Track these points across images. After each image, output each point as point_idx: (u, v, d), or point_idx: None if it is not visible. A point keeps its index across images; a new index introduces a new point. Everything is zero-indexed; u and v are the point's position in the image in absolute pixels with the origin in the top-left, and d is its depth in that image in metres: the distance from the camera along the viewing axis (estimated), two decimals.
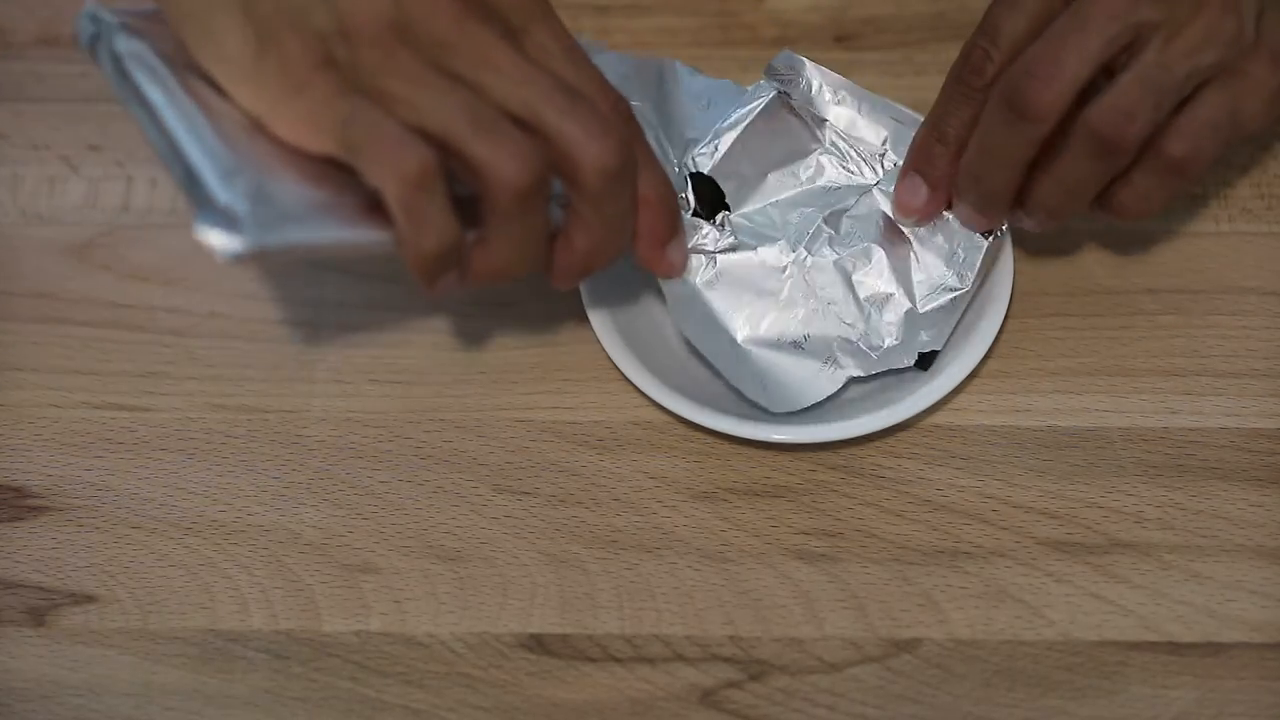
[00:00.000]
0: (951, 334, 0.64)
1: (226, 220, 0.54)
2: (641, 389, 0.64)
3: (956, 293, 0.64)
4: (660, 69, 0.67)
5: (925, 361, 0.64)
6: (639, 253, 0.62)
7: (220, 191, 0.54)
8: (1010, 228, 0.64)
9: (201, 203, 0.54)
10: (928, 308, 0.64)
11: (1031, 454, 0.65)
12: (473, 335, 0.67)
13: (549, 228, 0.58)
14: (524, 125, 0.56)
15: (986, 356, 0.65)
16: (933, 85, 0.64)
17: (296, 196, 0.55)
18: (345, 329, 0.67)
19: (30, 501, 0.65)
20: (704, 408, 0.63)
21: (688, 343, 0.65)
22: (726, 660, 0.62)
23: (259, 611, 0.63)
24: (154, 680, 0.62)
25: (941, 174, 0.63)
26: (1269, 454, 0.64)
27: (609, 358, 0.65)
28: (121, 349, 0.67)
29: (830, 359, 0.64)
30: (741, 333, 0.65)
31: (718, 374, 0.64)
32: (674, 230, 0.62)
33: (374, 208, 0.56)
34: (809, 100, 0.65)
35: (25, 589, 0.63)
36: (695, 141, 0.65)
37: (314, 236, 0.55)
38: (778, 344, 0.64)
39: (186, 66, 0.57)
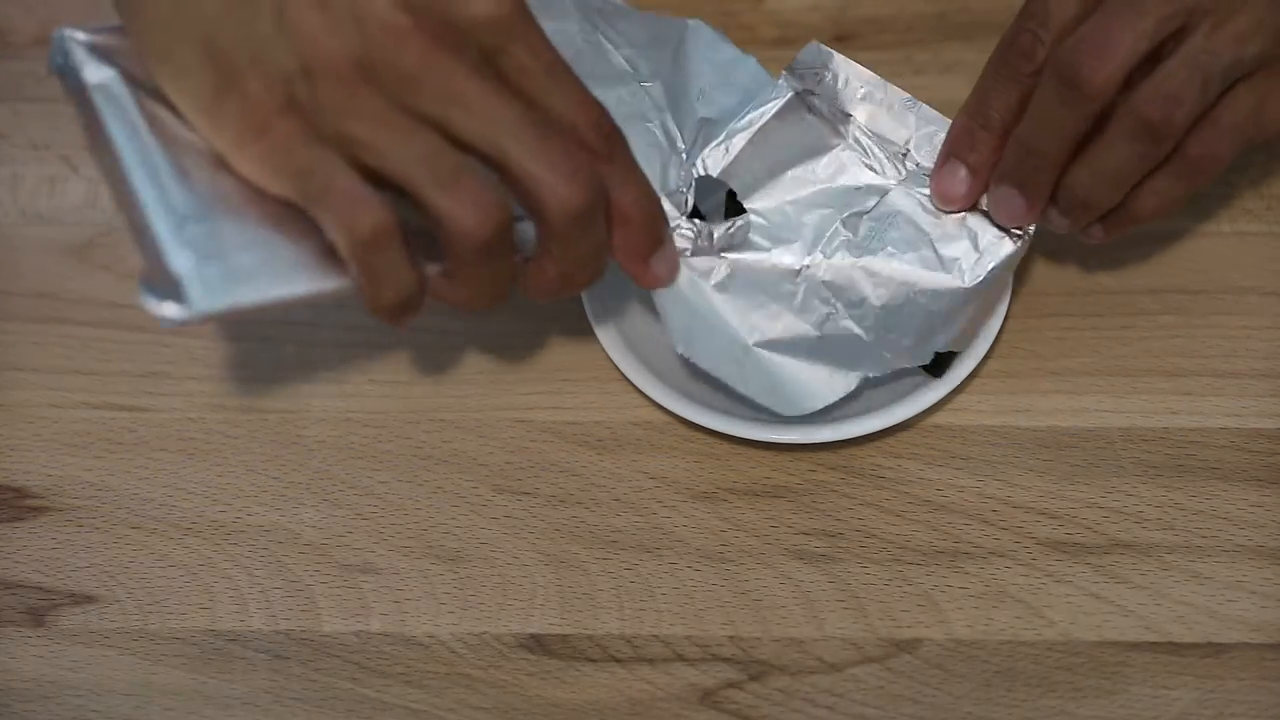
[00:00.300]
0: (961, 335, 0.64)
1: (171, 287, 0.53)
2: (641, 389, 0.64)
3: (971, 293, 0.63)
4: (683, 34, 0.66)
5: (939, 366, 0.64)
6: (622, 266, 0.61)
7: (170, 249, 0.53)
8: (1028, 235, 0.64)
9: (150, 263, 0.53)
10: (942, 308, 0.63)
11: (1031, 454, 0.65)
12: (473, 335, 0.67)
13: (514, 266, 0.57)
14: (491, 162, 0.55)
15: (986, 356, 0.65)
16: (933, 85, 0.65)
17: (254, 246, 0.54)
18: (345, 328, 0.67)
19: (30, 501, 0.65)
20: (704, 408, 0.63)
21: (685, 359, 0.64)
22: (726, 660, 0.62)
23: (259, 612, 0.63)
24: (154, 680, 0.62)
25: (983, 159, 0.62)
26: (1269, 454, 0.64)
27: (609, 358, 0.65)
28: (121, 349, 0.67)
29: (845, 361, 0.63)
30: (754, 336, 0.63)
31: (721, 384, 0.63)
32: (656, 244, 0.60)
33: (336, 250, 0.55)
34: (834, 95, 0.64)
35: (25, 589, 0.63)
36: (709, 122, 0.64)
37: (266, 295, 0.54)
38: (792, 347, 0.63)
39: (154, 93, 0.56)
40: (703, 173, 0.63)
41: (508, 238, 0.55)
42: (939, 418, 0.65)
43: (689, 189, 0.63)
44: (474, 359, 0.67)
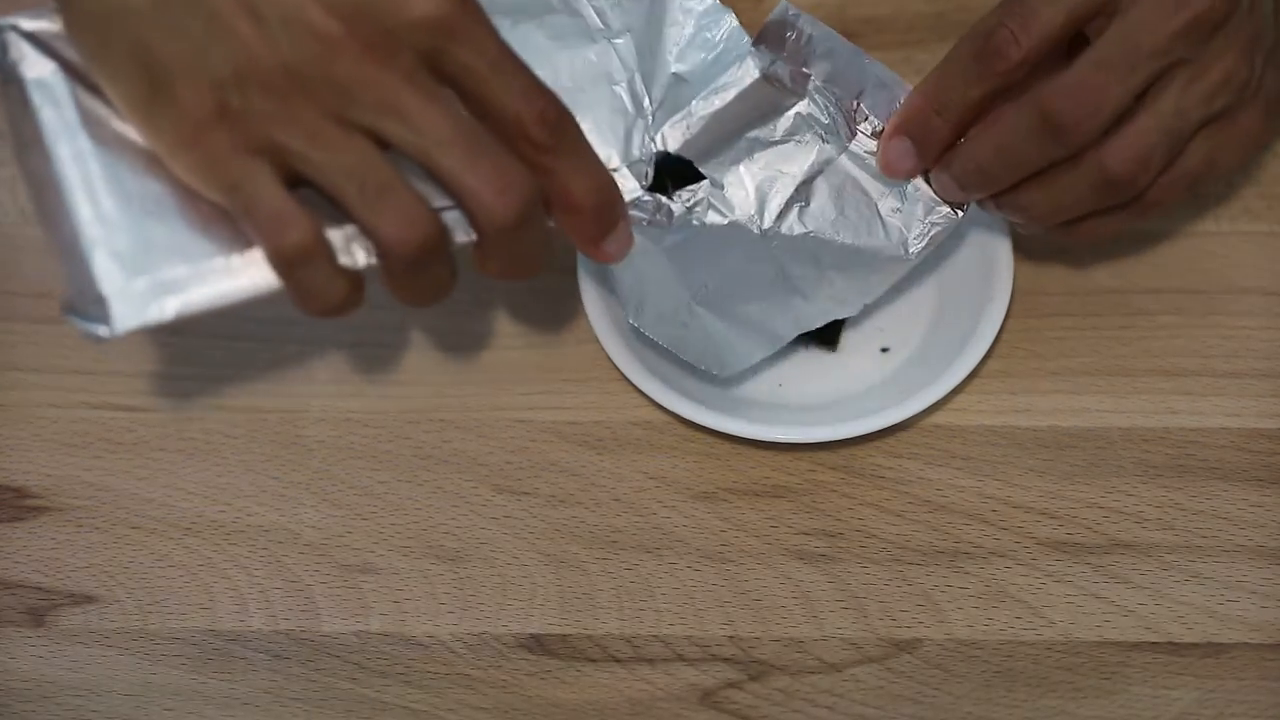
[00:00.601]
0: (870, 303, 0.65)
1: (97, 306, 0.52)
2: (641, 389, 0.64)
3: (912, 264, 0.63)
4: None
5: (829, 336, 0.66)
6: (575, 245, 0.59)
7: (96, 264, 0.52)
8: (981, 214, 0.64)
9: (74, 277, 0.53)
10: (883, 273, 0.64)
11: (1031, 454, 0.65)
12: (473, 335, 0.67)
13: (453, 262, 0.56)
14: (425, 169, 0.54)
15: (986, 356, 0.65)
16: None
17: (185, 252, 0.53)
18: (345, 329, 0.67)
19: (30, 501, 0.65)
20: (704, 408, 0.63)
21: (638, 331, 0.64)
22: (726, 660, 0.62)
23: (258, 612, 0.63)
24: (154, 680, 0.62)
25: (932, 144, 0.62)
26: (1269, 454, 0.64)
27: (609, 358, 0.65)
28: (121, 349, 0.67)
29: (781, 324, 0.64)
30: (699, 296, 0.63)
31: (669, 353, 0.64)
32: (608, 229, 0.59)
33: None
34: (796, 52, 0.63)
35: (25, 589, 0.63)
36: (680, 81, 0.63)
37: (197, 304, 0.53)
38: (734, 310, 0.63)
39: (94, 86, 0.55)
40: (661, 148, 0.62)
41: (438, 249, 0.55)
42: (939, 418, 0.65)
43: (650, 161, 0.62)
44: (474, 359, 0.67)
